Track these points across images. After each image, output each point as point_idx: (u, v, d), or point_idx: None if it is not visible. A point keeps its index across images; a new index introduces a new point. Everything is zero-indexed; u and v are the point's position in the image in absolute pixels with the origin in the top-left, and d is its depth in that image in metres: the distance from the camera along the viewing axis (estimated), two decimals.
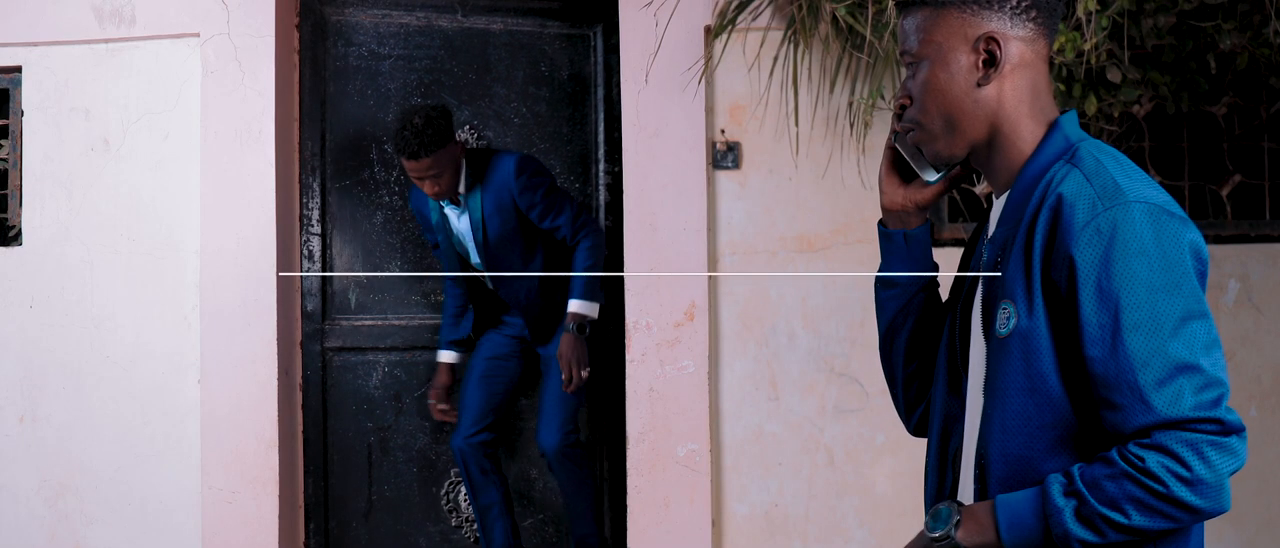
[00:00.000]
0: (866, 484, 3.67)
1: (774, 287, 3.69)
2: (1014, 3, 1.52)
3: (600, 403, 3.94)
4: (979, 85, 1.53)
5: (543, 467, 3.92)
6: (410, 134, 3.44)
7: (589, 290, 3.61)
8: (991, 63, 1.51)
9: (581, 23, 4.02)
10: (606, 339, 3.84)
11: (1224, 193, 3.70)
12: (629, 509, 3.74)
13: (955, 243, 3.71)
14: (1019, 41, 1.52)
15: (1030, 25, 1.52)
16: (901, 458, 3.63)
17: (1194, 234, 1.42)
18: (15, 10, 3.93)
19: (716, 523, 3.72)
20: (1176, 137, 3.72)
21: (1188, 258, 1.39)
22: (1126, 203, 1.39)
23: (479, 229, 3.63)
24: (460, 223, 3.66)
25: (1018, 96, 1.53)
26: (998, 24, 1.52)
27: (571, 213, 3.62)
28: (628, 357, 3.73)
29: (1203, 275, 1.42)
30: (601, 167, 4.00)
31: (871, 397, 3.65)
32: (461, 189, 3.60)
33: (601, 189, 4.00)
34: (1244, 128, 3.70)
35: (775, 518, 3.71)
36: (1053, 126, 1.52)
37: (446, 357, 3.80)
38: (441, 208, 3.66)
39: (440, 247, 3.77)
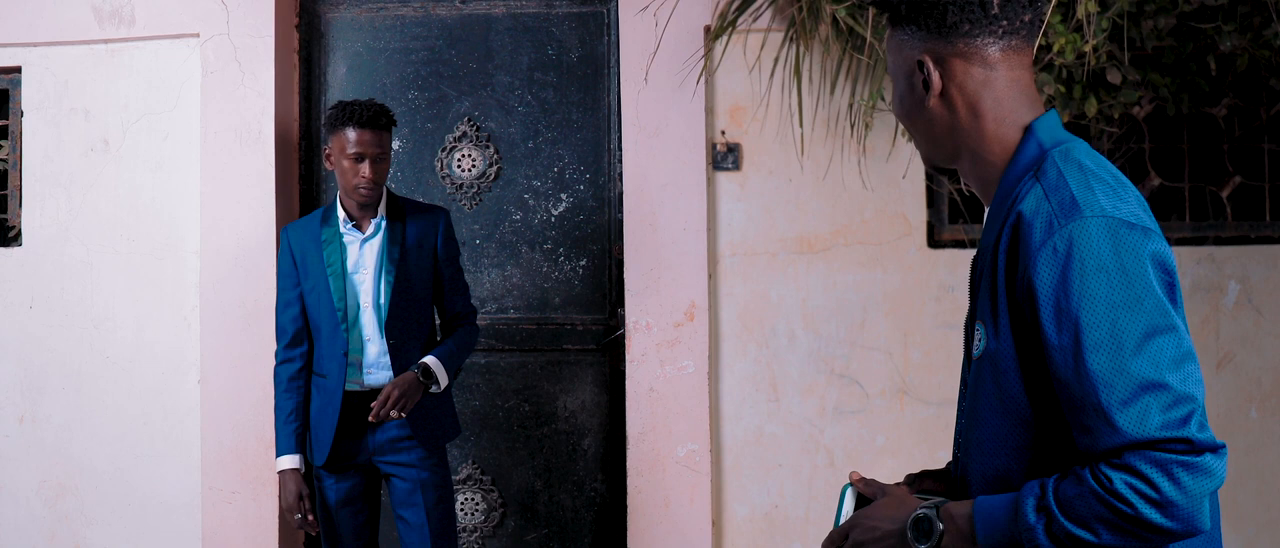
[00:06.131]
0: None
1: (774, 288, 3.69)
2: (934, 22, 1.48)
3: (601, 403, 3.94)
4: (926, 106, 1.51)
5: (547, 479, 3.90)
6: (368, 106, 3.12)
7: (452, 358, 3.18)
8: (927, 87, 1.50)
9: None
10: (606, 337, 3.84)
11: (1224, 194, 3.70)
12: (629, 510, 3.74)
13: (955, 244, 3.71)
14: (959, 58, 1.48)
15: (965, 40, 1.48)
16: (901, 459, 3.63)
17: (1157, 245, 1.37)
18: (15, 10, 3.94)
19: (716, 524, 3.72)
20: (1177, 138, 3.72)
21: (1150, 271, 1.34)
22: (1083, 219, 1.35)
23: (392, 258, 3.14)
24: (363, 253, 3.16)
25: (973, 111, 1.49)
26: (931, 44, 1.49)
27: (467, 296, 3.32)
28: (628, 357, 3.73)
29: (1171, 286, 1.38)
30: (615, 156, 3.83)
31: (871, 398, 3.66)
32: (381, 212, 3.18)
33: (614, 180, 3.84)
34: (1244, 129, 3.70)
35: (775, 519, 3.71)
36: (1026, 133, 1.48)
37: (289, 462, 3.14)
38: (339, 237, 3.16)
39: (306, 300, 3.17)
